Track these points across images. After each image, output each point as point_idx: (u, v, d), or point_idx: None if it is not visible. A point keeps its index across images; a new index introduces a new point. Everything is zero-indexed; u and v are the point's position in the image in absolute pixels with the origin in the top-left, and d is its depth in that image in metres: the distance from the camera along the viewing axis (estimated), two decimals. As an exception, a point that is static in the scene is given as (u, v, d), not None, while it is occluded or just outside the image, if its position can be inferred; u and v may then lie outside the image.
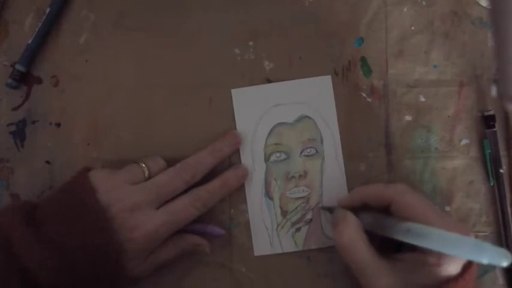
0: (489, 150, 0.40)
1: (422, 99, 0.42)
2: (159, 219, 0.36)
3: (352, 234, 0.35)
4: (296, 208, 0.41)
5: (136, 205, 0.35)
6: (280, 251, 0.41)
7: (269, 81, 0.42)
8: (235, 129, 0.41)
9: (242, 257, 0.41)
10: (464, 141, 0.41)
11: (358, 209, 0.37)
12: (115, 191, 0.35)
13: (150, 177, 0.37)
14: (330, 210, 0.39)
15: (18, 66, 0.41)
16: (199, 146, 0.41)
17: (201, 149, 0.39)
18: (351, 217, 0.36)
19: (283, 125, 0.41)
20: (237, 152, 0.41)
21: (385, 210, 0.36)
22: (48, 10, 0.41)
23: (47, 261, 0.32)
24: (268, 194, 0.41)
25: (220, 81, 0.41)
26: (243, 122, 0.41)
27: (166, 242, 0.37)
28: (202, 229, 0.39)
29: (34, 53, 0.41)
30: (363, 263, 0.34)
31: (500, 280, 0.41)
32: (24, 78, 0.41)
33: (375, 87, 0.42)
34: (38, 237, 0.33)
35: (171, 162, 0.39)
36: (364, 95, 0.42)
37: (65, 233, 0.33)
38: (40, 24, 0.41)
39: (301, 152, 0.41)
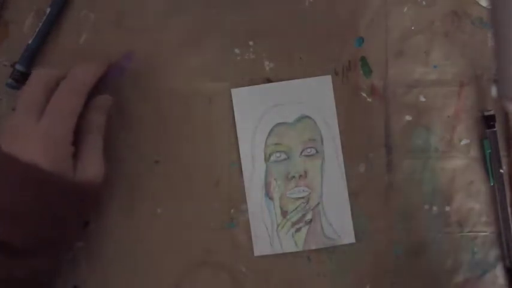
0: (489, 150, 0.40)
1: (422, 99, 0.42)
2: (42, 127, 0.34)
3: None
4: (296, 208, 0.41)
5: (13, 127, 0.35)
6: (280, 251, 0.41)
7: (269, 81, 0.42)
8: (235, 129, 0.41)
9: (242, 257, 0.41)
10: (464, 141, 0.41)
11: None
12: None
13: None
14: None
15: (18, 66, 0.40)
16: (199, 146, 0.41)
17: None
18: None
19: (283, 125, 0.41)
20: (237, 152, 0.41)
21: None
22: (48, 10, 0.41)
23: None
24: (268, 194, 0.41)
25: (220, 81, 0.41)
26: (243, 122, 0.41)
27: (81, 130, 0.37)
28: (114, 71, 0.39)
29: (34, 53, 0.41)
30: None
31: (500, 280, 0.41)
32: (24, 78, 0.41)
33: (375, 87, 0.42)
34: None
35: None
36: (364, 95, 0.42)
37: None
38: (40, 24, 0.41)
39: (301, 152, 0.41)
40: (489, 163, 0.41)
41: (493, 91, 0.41)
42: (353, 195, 0.41)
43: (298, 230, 0.41)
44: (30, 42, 0.41)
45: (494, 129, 0.41)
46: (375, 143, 0.41)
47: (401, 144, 0.41)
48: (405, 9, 0.42)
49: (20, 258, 0.33)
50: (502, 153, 0.41)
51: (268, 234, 0.41)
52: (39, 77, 0.36)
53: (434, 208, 0.41)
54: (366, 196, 0.41)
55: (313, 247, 0.41)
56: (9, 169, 0.34)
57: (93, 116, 0.38)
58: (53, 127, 0.35)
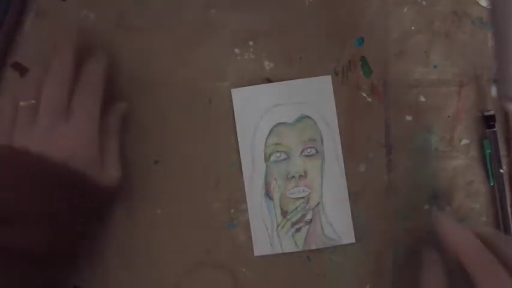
0: (489, 150, 0.40)
1: (422, 99, 0.42)
2: (75, 128, 0.35)
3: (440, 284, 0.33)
4: (296, 208, 0.41)
5: (42, 129, 0.34)
6: (280, 251, 0.41)
7: (269, 81, 0.42)
8: (235, 129, 0.41)
9: (242, 257, 0.41)
10: (464, 141, 0.41)
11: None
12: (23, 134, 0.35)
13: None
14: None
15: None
16: (199, 146, 0.41)
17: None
18: (441, 265, 0.33)
19: (283, 125, 0.41)
20: (237, 151, 0.41)
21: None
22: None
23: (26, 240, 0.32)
24: (268, 194, 0.41)
25: (220, 81, 0.41)
26: (243, 122, 0.41)
27: (102, 131, 0.37)
28: None
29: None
30: None
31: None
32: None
33: (375, 87, 0.42)
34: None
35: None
36: (364, 95, 0.42)
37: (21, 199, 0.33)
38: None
39: (301, 152, 0.41)
40: (489, 163, 0.41)
41: (493, 91, 0.41)
42: (353, 195, 0.41)
43: (298, 230, 0.41)
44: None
45: (494, 129, 0.41)
46: (375, 143, 0.41)
47: (401, 144, 0.41)
48: (405, 9, 0.42)
49: (39, 268, 0.33)
50: (502, 153, 0.41)
51: (268, 234, 0.41)
52: (58, 75, 0.36)
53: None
54: (366, 196, 0.41)
55: (313, 247, 0.41)
56: (44, 172, 0.33)
57: (110, 120, 0.38)
58: (84, 127, 0.35)
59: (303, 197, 0.41)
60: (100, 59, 0.38)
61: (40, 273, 0.34)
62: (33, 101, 0.35)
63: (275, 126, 0.41)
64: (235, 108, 0.41)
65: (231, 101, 0.41)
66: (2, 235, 0.31)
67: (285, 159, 0.41)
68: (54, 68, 0.36)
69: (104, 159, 0.36)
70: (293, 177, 0.41)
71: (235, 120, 0.41)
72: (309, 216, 0.41)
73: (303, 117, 0.41)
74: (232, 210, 0.41)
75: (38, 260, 0.33)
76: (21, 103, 0.35)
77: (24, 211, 0.33)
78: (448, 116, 0.41)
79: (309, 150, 0.41)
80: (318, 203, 0.41)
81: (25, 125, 0.35)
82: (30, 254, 0.32)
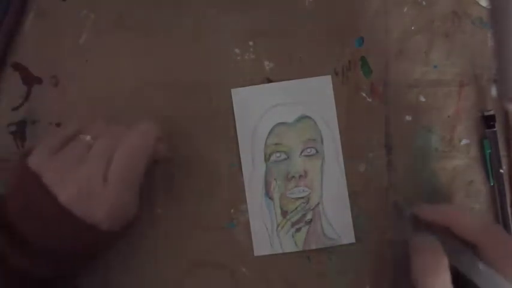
0: (489, 150, 0.40)
1: (422, 99, 0.42)
2: (112, 193, 0.33)
3: (437, 272, 0.31)
4: (296, 208, 0.41)
5: (79, 182, 0.33)
6: (280, 251, 0.41)
7: (269, 81, 0.42)
8: (235, 129, 0.41)
9: (242, 257, 0.41)
10: (464, 141, 0.41)
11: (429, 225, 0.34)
12: (61, 173, 0.33)
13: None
14: (398, 207, 0.38)
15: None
16: (199, 145, 0.41)
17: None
18: (438, 249, 0.32)
19: (283, 125, 0.41)
20: (237, 151, 0.41)
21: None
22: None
23: (33, 268, 0.33)
24: (268, 194, 0.41)
25: (220, 81, 0.41)
26: (243, 122, 0.41)
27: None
28: None
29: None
30: None
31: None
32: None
33: (375, 87, 0.42)
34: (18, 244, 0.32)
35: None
36: (364, 95, 0.42)
37: (38, 235, 0.33)
38: None
39: (301, 152, 0.41)
40: (489, 163, 0.41)
41: (493, 91, 0.41)
42: (353, 195, 0.41)
43: (298, 230, 0.41)
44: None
45: (494, 129, 0.41)
46: (375, 143, 0.41)
47: (401, 144, 0.41)
48: (405, 9, 0.42)
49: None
50: (502, 153, 0.41)
51: (268, 234, 0.41)
52: (112, 135, 0.35)
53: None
54: (366, 196, 0.41)
55: (313, 247, 0.41)
56: (68, 227, 0.33)
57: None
58: (122, 194, 0.34)
59: (303, 197, 0.41)
60: (149, 129, 0.36)
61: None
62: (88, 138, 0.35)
63: (275, 126, 0.41)
64: (235, 108, 0.41)
65: (231, 101, 0.41)
66: (23, 263, 0.32)
67: (285, 159, 0.41)
68: (112, 127, 0.36)
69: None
70: (293, 177, 0.41)
71: (235, 120, 0.41)
72: (309, 216, 0.41)
73: (303, 117, 0.41)
74: (232, 210, 0.41)
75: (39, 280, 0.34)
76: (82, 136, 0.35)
77: (52, 249, 0.33)
78: (448, 116, 0.41)
79: (309, 150, 0.41)
80: (318, 203, 0.41)
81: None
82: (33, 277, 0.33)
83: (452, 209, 0.34)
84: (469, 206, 0.41)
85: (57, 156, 0.34)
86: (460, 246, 0.32)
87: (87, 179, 0.33)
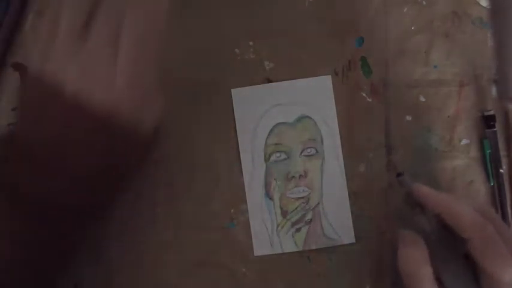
0: (489, 150, 0.40)
1: (422, 99, 0.42)
2: (126, 72, 0.29)
3: (419, 264, 0.32)
4: (296, 208, 0.41)
5: (86, 62, 0.28)
6: (280, 251, 0.41)
7: (269, 81, 0.42)
8: (235, 129, 0.41)
9: (242, 257, 0.41)
10: (464, 141, 0.41)
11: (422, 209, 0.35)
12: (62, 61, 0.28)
13: None
14: (401, 177, 0.38)
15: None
16: (199, 145, 0.41)
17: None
18: (421, 243, 0.33)
19: (283, 125, 0.41)
20: (237, 151, 0.41)
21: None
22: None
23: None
24: (268, 194, 0.41)
25: (220, 81, 0.41)
26: (243, 122, 0.41)
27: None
28: None
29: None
30: None
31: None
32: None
33: (375, 87, 0.42)
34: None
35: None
36: (364, 95, 0.42)
37: (54, 150, 0.29)
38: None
39: (301, 152, 0.41)
40: (489, 163, 0.41)
41: (493, 91, 0.41)
42: (353, 195, 0.41)
43: (298, 230, 0.41)
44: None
45: (494, 129, 0.41)
46: (375, 143, 0.41)
47: (402, 144, 0.41)
48: (405, 9, 0.42)
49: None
50: (502, 153, 0.41)
51: (268, 234, 0.41)
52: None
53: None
54: (366, 196, 0.41)
55: (313, 247, 0.41)
56: (81, 120, 0.28)
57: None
58: (141, 74, 0.30)
59: (303, 197, 0.41)
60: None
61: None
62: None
63: (275, 126, 0.41)
64: (235, 108, 0.41)
65: (231, 101, 0.41)
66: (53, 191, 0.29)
67: (285, 159, 0.41)
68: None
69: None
70: (293, 177, 0.41)
71: (235, 120, 0.41)
72: (309, 216, 0.41)
73: (303, 117, 0.41)
74: (232, 210, 0.41)
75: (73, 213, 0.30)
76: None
77: (72, 166, 0.29)
78: (448, 116, 0.41)
79: (309, 150, 0.41)
80: (318, 203, 0.41)
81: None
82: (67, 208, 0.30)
83: (445, 198, 0.33)
84: (469, 206, 0.41)
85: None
86: (448, 255, 0.33)
87: (97, 55, 0.28)
